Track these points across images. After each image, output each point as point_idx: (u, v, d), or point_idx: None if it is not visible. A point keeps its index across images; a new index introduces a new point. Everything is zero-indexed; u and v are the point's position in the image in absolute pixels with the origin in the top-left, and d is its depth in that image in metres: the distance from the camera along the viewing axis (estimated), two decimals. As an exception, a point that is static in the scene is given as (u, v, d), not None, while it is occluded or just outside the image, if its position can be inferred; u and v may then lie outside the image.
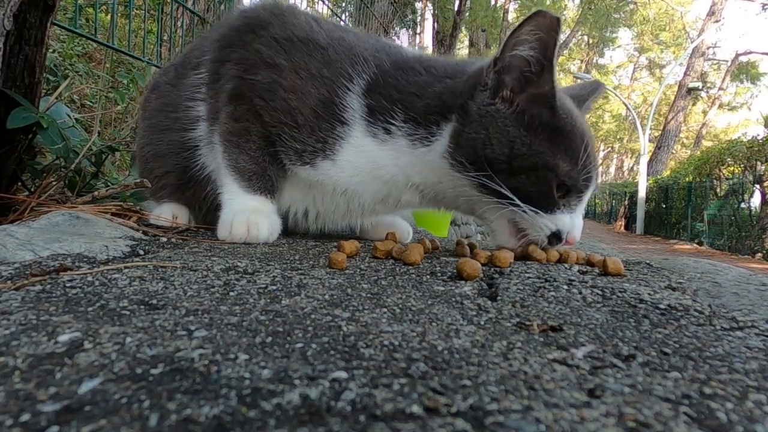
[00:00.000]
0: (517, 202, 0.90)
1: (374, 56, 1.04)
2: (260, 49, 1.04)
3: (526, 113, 0.90)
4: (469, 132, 0.92)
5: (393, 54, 1.07)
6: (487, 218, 1.00)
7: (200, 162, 1.18)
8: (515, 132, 0.89)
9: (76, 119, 1.46)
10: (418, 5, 11.38)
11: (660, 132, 18.02)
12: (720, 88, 22.22)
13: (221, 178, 1.09)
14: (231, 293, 0.60)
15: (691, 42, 17.79)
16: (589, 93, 1.12)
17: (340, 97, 1.00)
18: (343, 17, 6.40)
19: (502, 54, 0.90)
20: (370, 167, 1.02)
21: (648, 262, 1.08)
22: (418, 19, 11.56)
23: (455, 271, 0.79)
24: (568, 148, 0.91)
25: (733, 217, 9.40)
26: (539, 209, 0.91)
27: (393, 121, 0.98)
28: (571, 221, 0.94)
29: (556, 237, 0.94)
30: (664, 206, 12.90)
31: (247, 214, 1.03)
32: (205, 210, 1.24)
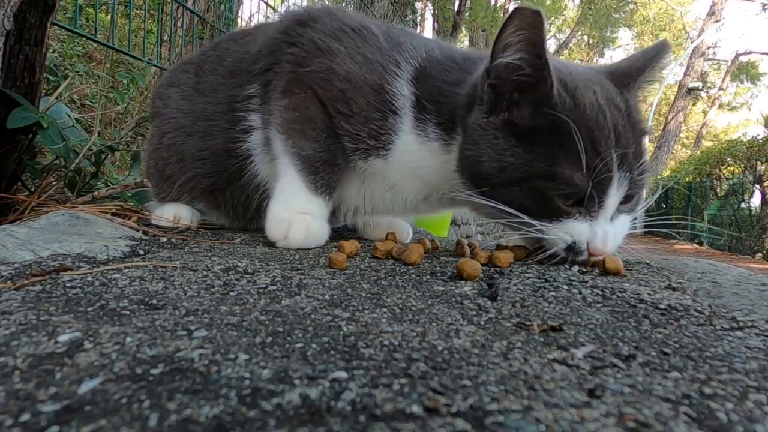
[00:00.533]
0: (516, 215, 0.83)
1: (419, 44, 1.01)
2: (314, 37, 1.01)
3: (518, 120, 0.83)
4: (465, 148, 0.88)
5: (445, 49, 1.04)
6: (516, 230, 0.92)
7: (250, 170, 1.13)
8: (505, 143, 0.83)
9: (76, 119, 1.46)
10: (418, 5, 11.38)
11: (660, 132, 18.02)
12: (720, 88, 22.21)
13: (281, 169, 1.02)
14: (231, 293, 0.60)
15: (691, 42, 17.79)
16: (645, 63, 0.93)
17: (390, 83, 0.96)
18: (343, 17, 6.39)
19: (492, 64, 0.83)
20: (412, 164, 0.99)
21: (648, 262, 1.08)
22: (418, 19, 11.56)
23: (455, 271, 0.79)
24: (570, 151, 0.79)
25: (733, 217, 9.40)
26: (541, 220, 0.83)
27: (426, 122, 0.96)
28: (591, 230, 0.83)
29: (572, 250, 0.85)
30: (664, 206, 12.91)
31: (308, 218, 0.99)
32: (244, 214, 1.21)
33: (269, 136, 1.06)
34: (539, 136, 0.82)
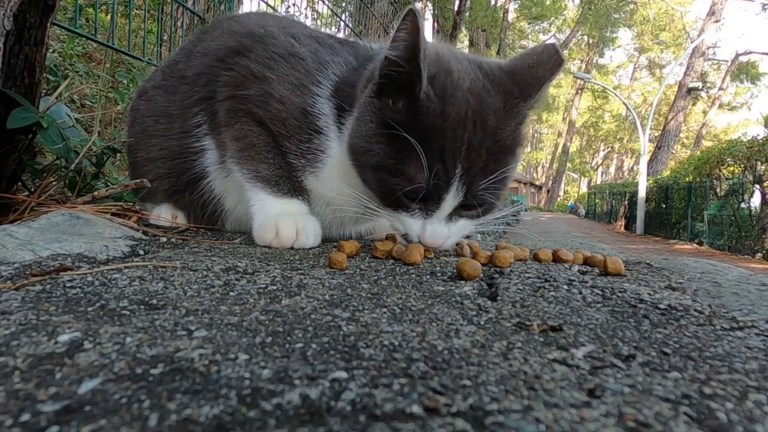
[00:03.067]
0: (362, 196, 0.91)
1: (344, 58, 1.05)
2: (249, 65, 1.05)
3: (390, 110, 0.87)
4: (353, 120, 0.93)
5: (360, 53, 1.07)
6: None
7: (207, 185, 1.19)
8: (375, 129, 0.88)
9: (76, 119, 1.46)
10: (418, 5, 11.40)
11: (660, 132, 18.02)
12: (720, 88, 22.24)
13: (249, 196, 1.08)
14: (231, 293, 0.60)
15: (691, 42, 17.80)
16: (550, 72, 0.92)
17: (311, 105, 1.01)
18: (343, 17, 6.39)
19: (387, 53, 0.87)
20: (343, 177, 1.01)
21: (648, 262, 1.08)
22: (418, 19, 11.55)
23: (455, 271, 0.79)
24: (425, 151, 0.83)
25: (733, 217, 9.40)
26: (381, 208, 0.92)
27: (347, 121, 0.98)
28: (421, 227, 0.90)
29: (405, 237, 0.94)
30: (664, 206, 12.90)
31: (291, 215, 1.02)
32: (202, 214, 1.25)
33: (226, 167, 1.12)
34: (398, 131, 0.84)
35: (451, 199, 0.87)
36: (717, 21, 16.33)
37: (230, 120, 1.07)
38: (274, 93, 1.02)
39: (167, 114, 1.21)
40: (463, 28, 12.59)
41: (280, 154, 1.04)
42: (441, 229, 0.90)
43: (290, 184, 1.05)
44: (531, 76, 0.91)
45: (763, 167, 8.86)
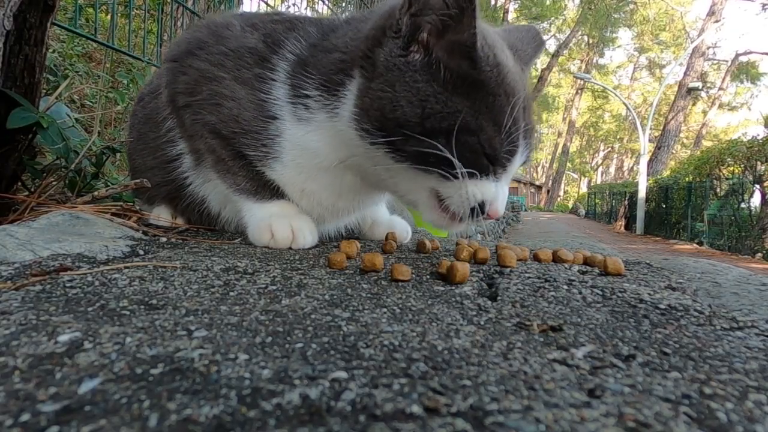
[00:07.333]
0: (449, 163, 0.78)
1: (303, 34, 0.97)
2: (200, 67, 1.01)
3: (442, 65, 0.77)
4: (375, 89, 0.79)
5: (326, 24, 0.99)
6: (406, 193, 0.90)
7: (192, 190, 1.17)
8: (428, 88, 0.77)
9: (76, 119, 1.46)
10: (418, 5, 11.37)
11: (660, 132, 18.03)
12: (720, 88, 22.27)
13: (235, 201, 1.07)
14: (231, 293, 0.60)
15: (691, 42, 17.80)
16: (533, 51, 0.98)
17: (266, 92, 0.95)
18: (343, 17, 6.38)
19: None
20: (308, 160, 0.96)
21: (648, 262, 1.08)
22: (418, 19, 11.54)
23: (445, 272, 0.77)
24: (491, 109, 0.77)
25: (733, 217, 9.40)
26: (457, 176, 0.79)
27: (307, 91, 0.90)
28: (496, 191, 0.82)
29: (474, 211, 0.82)
30: (664, 206, 12.90)
31: (284, 217, 1.00)
32: (200, 220, 1.24)
33: (207, 176, 1.11)
34: (464, 86, 0.77)
35: (519, 158, 0.83)
36: (717, 21, 16.33)
37: (195, 132, 1.05)
38: (225, 92, 0.98)
39: (156, 122, 1.19)
40: (463, 28, 12.55)
41: (249, 162, 1.01)
42: (506, 195, 0.85)
43: (270, 190, 1.03)
44: (519, 51, 0.92)
45: (763, 167, 8.86)
